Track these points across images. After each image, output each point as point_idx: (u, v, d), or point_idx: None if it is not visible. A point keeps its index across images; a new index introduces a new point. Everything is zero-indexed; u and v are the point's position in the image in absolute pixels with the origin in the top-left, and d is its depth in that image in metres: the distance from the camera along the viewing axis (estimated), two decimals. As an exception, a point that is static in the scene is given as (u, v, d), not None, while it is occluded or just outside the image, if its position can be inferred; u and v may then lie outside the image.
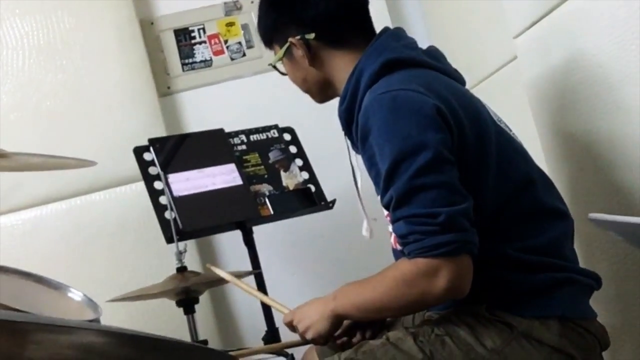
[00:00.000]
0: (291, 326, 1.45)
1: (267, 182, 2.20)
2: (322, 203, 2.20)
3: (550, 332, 1.30)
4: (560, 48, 1.69)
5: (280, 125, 2.30)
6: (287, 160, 2.25)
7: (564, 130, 1.74)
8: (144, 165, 2.09)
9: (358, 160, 1.51)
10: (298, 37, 1.46)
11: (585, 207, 1.67)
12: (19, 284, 1.68)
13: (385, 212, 1.35)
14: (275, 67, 1.56)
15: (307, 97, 2.35)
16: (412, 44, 1.47)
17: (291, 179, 2.23)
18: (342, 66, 1.46)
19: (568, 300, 1.33)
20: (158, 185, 2.07)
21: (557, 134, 1.77)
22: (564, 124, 1.73)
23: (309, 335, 1.41)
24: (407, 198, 1.25)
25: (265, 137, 2.28)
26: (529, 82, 1.85)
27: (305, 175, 2.24)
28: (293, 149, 2.28)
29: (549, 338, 1.30)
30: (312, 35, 1.46)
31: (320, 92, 1.53)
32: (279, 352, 1.72)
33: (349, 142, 1.52)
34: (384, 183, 1.28)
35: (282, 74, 1.58)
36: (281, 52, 1.50)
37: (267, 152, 2.25)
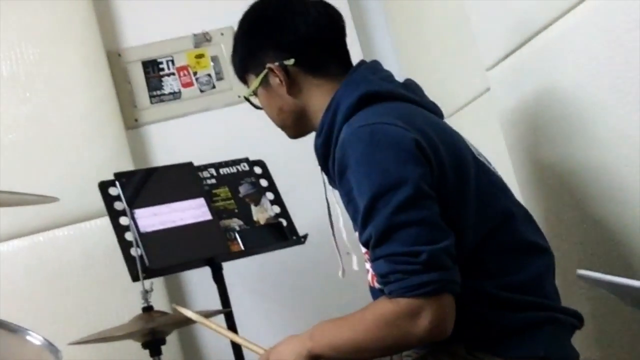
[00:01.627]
0: None
1: (237, 216, 2.14)
2: (294, 237, 2.15)
3: (531, 373, 1.26)
4: (534, 80, 1.68)
5: (251, 159, 2.26)
6: (257, 194, 2.20)
7: (538, 161, 1.72)
8: (109, 200, 2.02)
9: (335, 195, 1.47)
10: (276, 63, 1.43)
11: (562, 240, 1.64)
12: (-26, 328, 1.59)
13: (364, 250, 1.30)
14: (248, 100, 1.52)
15: (278, 131, 2.33)
16: (389, 77, 1.44)
17: (262, 213, 2.18)
18: (319, 96, 1.42)
19: (550, 340, 1.29)
20: (124, 220, 2.00)
21: (531, 165, 1.76)
22: (538, 155, 1.71)
23: None
24: (387, 236, 1.20)
25: (235, 170, 2.23)
26: (502, 114, 1.84)
27: (276, 209, 2.19)
28: (264, 183, 2.23)
29: (530, 379, 1.26)
30: (291, 61, 1.42)
31: (296, 124, 1.49)
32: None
33: (325, 177, 1.48)
34: (362, 220, 1.23)
35: (256, 107, 1.54)
36: (258, 80, 1.46)
37: (238, 185, 2.20)
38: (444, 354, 1.30)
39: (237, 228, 2.11)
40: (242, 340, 1.54)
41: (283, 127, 1.52)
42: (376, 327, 1.24)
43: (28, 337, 1.63)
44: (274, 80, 1.44)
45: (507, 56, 1.79)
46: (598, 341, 1.60)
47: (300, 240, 2.14)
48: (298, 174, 2.48)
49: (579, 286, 1.63)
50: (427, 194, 1.23)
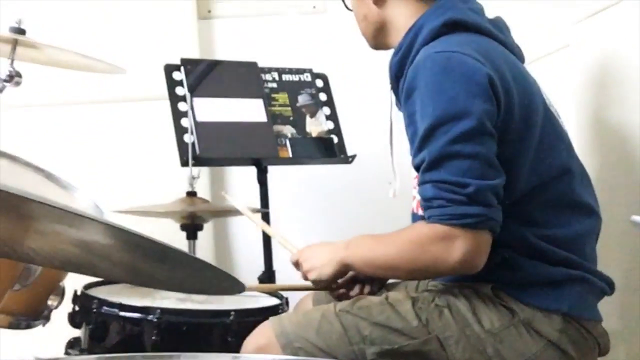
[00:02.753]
0: (296, 264, 1.44)
1: (291, 124, 2.16)
2: (342, 156, 2.17)
3: (551, 325, 1.28)
4: (615, 42, 1.65)
5: (315, 71, 2.25)
6: (315, 107, 2.21)
7: (603, 122, 1.70)
8: (172, 83, 2.06)
9: (398, 117, 1.47)
10: None
11: (608, 203, 1.63)
12: (28, 177, 1.66)
13: (414, 174, 1.32)
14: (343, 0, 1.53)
15: (347, 49, 2.31)
16: (479, 9, 1.42)
17: (316, 126, 2.20)
18: (403, 14, 1.41)
19: (576, 299, 1.30)
20: (182, 106, 2.03)
21: (596, 124, 1.73)
22: (605, 116, 1.69)
23: (311, 276, 1.40)
24: (439, 162, 1.21)
25: (297, 79, 2.24)
26: (578, 70, 1.80)
27: (330, 125, 2.21)
28: (323, 97, 2.24)
29: (548, 332, 1.28)
30: None
31: (375, 35, 1.48)
32: (272, 294, 1.71)
33: (393, 97, 1.48)
34: (419, 143, 1.24)
35: (347, 8, 1.54)
36: None
37: (297, 94, 2.21)
38: (470, 290, 1.32)
39: (289, 135, 2.13)
40: (281, 237, 1.58)
41: (364, 35, 1.52)
42: (409, 247, 1.26)
43: (76, 195, 1.71)
44: None
45: (595, 14, 1.73)
46: (619, 308, 1.61)
47: (348, 159, 2.16)
48: (358, 96, 2.49)
49: (614, 255, 1.62)
50: (488, 131, 1.23)
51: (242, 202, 1.70)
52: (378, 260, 1.33)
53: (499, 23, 1.44)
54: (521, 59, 1.45)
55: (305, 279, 1.43)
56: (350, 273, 1.42)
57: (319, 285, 1.42)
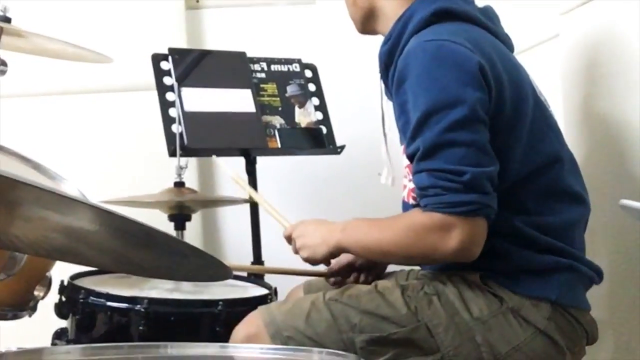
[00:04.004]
0: (289, 238, 1.44)
1: (280, 115, 2.15)
2: (331, 146, 2.16)
3: (539, 313, 1.28)
4: (603, 33, 1.65)
5: (304, 61, 2.25)
6: (303, 97, 2.20)
7: (590, 112, 1.71)
8: (159, 73, 2.04)
9: (389, 107, 1.47)
10: None
11: (595, 192, 1.64)
12: (16, 167, 1.65)
13: (405, 164, 1.32)
14: None
15: (336, 40, 2.30)
16: None
17: (304, 116, 2.19)
18: (393, 1, 1.41)
19: (565, 287, 1.31)
20: (170, 96, 2.02)
21: (583, 115, 1.74)
22: (592, 106, 1.70)
23: (303, 254, 1.41)
24: (435, 151, 1.21)
25: (286, 69, 2.22)
26: (566, 60, 1.81)
27: (319, 115, 2.20)
28: (312, 87, 2.23)
29: (537, 319, 1.28)
30: None
31: (363, 21, 1.48)
32: (261, 284, 1.71)
33: (383, 86, 1.48)
34: (412, 132, 1.24)
35: None
36: None
37: (286, 85, 2.20)
38: (459, 278, 1.32)
39: (278, 126, 2.12)
40: (268, 205, 1.59)
41: (352, 19, 1.51)
42: (404, 234, 1.26)
43: (64, 186, 1.70)
44: None
45: (583, 4, 1.74)
46: (607, 297, 1.61)
47: (337, 150, 2.16)
48: (347, 86, 2.48)
49: (602, 243, 1.63)
50: (481, 119, 1.23)
51: (231, 169, 1.69)
52: (372, 245, 1.33)
53: (488, 12, 1.44)
54: (511, 48, 1.45)
55: (296, 253, 1.43)
56: (346, 258, 1.42)
57: (310, 263, 1.42)
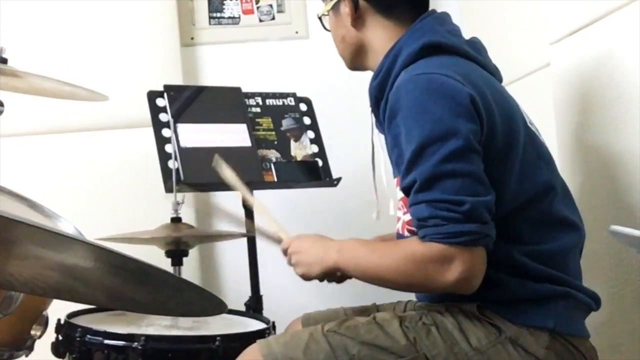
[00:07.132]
0: (285, 252, 1.45)
1: (276, 148, 2.16)
2: (327, 179, 2.17)
3: (537, 343, 1.28)
4: (594, 61, 1.66)
5: (299, 95, 2.27)
6: (299, 131, 2.22)
7: (584, 141, 1.72)
8: (155, 110, 2.06)
9: (380, 140, 1.48)
10: None
11: (588, 220, 1.64)
12: (12, 206, 1.65)
13: (399, 196, 1.32)
14: (320, 20, 1.55)
15: (329, 72, 2.32)
16: (456, 31, 1.44)
17: (300, 149, 2.20)
18: (383, 37, 1.43)
19: (562, 315, 1.30)
20: (166, 132, 2.04)
21: (576, 144, 1.75)
22: (585, 136, 1.70)
23: (297, 271, 1.42)
24: (432, 182, 1.22)
25: (281, 103, 2.25)
26: (558, 90, 1.82)
27: (315, 148, 2.21)
28: (307, 120, 2.25)
29: (536, 349, 1.28)
30: None
31: (353, 57, 1.51)
32: (259, 319, 1.70)
33: (374, 119, 1.49)
34: (407, 165, 1.25)
35: (325, 28, 1.56)
36: (330, 3, 1.49)
37: (281, 118, 2.22)
38: (456, 309, 1.32)
39: (274, 159, 2.13)
40: (274, 221, 1.58)
41: (342, 56, 1.53)
42: (404, 263, 1.26)
43: (60, 225, 1.70)
44: (344, 9, 1.46)
45: (573, 33, 1.76)
46: (607, 325, 1.61)
47: (333, 182, 2.17)
48: (343, 119, 2.50)
49: (601, 270, 1.63)
50: (475, 149, 1.24)
51: (232, 173, 1.70)
52: (369, 271, 1.33)
53: (475, 44, 1.46)
54: (499, 79, 1.47)
55: (290, 264, 1.44)
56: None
57: (304, 279, 1.42)
